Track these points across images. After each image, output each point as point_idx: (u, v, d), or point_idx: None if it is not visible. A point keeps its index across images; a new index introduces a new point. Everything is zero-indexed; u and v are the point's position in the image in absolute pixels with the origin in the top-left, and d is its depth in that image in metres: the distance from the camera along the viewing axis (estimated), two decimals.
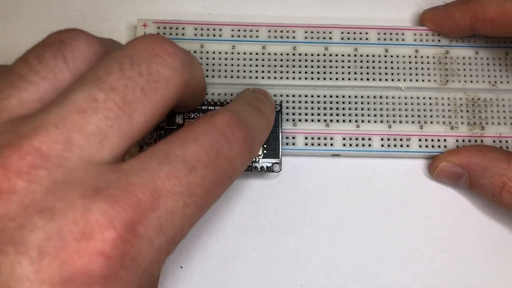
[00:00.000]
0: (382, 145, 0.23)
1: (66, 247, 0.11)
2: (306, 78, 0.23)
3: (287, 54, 0.24)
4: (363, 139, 0.23)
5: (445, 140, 0.23)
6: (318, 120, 0.23)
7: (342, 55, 0.24)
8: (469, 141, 0.23)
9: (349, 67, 0.23)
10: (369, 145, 0.23)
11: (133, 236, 0.12)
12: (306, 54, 0.24)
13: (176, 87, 0.15)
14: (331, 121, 0.23)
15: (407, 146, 0.23)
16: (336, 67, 0.23)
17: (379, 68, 0.24)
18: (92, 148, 0.13)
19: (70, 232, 0.11)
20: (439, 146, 0.23)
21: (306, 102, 0.23)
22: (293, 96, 0.23)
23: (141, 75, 0.14)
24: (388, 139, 0.23)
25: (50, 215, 0.12)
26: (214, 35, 0.24)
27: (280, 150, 0.22)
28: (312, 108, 0.23)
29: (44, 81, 0.14)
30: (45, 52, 0.14)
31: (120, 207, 0.12)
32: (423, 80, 0.23)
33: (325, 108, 0.23)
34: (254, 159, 0.22)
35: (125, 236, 0.12)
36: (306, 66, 0.23)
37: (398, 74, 0.24)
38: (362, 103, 0.23)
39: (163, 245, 0.13)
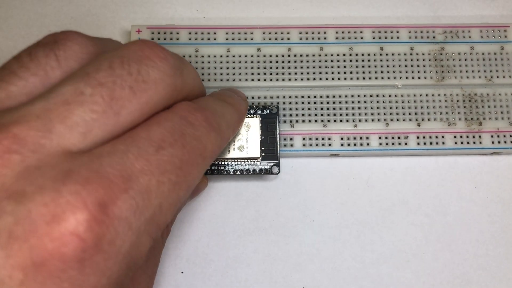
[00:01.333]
0: (380, 144, 0.23)
1: (36, 231, 0.11)
2: (302, 79, 0.23)
3: (283, 56, 0.23)
4: (361, 138, 0.23)
5: (443, 137, 0.23)
6: (316, 121, 0.23)
7: (338, 55, 0.24)
8: (467, 136, 0.23)
9: (344, 66, 0.23)
10: (367, 144, 0.23)
11: (107, 217, 0.12)
12: (301, 55, 0.23)
13: (166, 90, 0.15)
14: (328, 121, 0.23)
15: (405, 144, 0.23)
16: (332, 67, 0.23)
17: (375, 66, 0.24)
18: (74, 138, 0.13)
19: (40, 215, 0.11)
20: (437, 143, 0.23)
21: (302, 103, 0.23)
22: (290, 97, 0.23)
23: (131, 74, 0.14)
24: (386, 138, 0.23)
25: (19, 199, 0.11)
26: (208, 39, 0.24)
27: (278, 152, 0.22)
28: (309, 109, 0.23)
29: (34, 77, 0.14)
30: (38, 51, 0.14)
31: (92, 187, 0.12)
32: (419, 78, 0.23)
33: (322, 109, 0.23)
34: (252, 161, 0.22)
35: (99, 217, 0.12)
36: (301, 67, 0.23)
37: (394, 72, 0.23)
38: (359, 102, 0.23)
39: (142, 225, 0.13)
